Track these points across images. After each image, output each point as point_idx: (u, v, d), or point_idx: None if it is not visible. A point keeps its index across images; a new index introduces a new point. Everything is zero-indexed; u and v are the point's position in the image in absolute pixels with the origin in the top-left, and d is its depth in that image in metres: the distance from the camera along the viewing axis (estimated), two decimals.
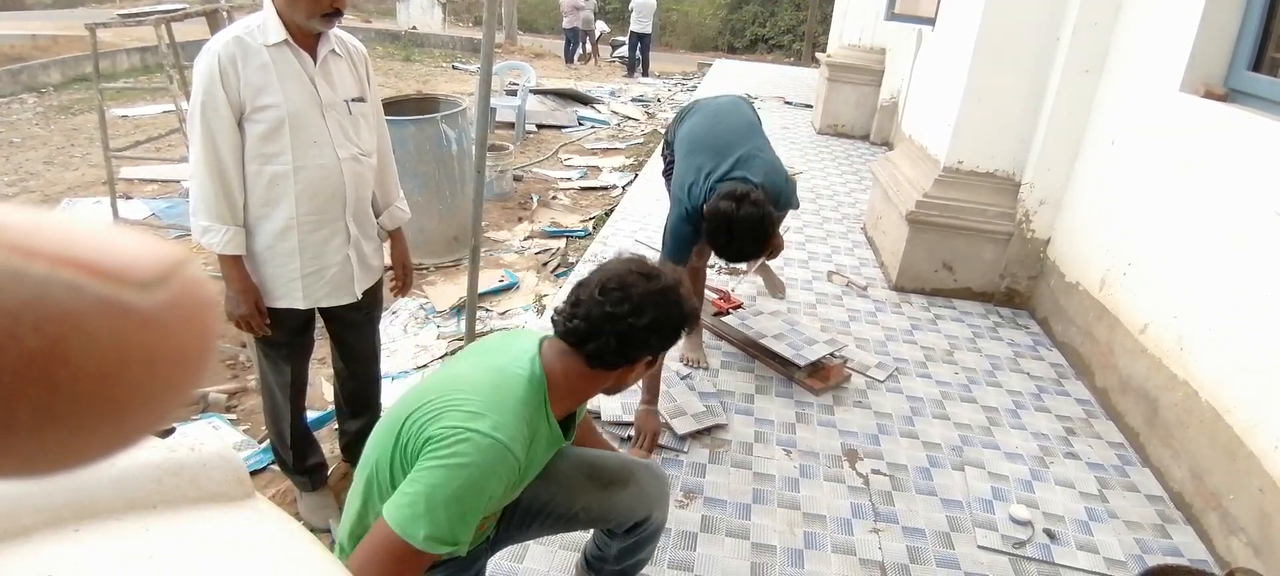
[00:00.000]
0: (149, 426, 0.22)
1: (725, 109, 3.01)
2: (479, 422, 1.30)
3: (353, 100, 2.09)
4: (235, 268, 2.05)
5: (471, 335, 3.01)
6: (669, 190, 2.97)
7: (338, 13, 1.95)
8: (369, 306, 2.35)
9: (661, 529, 1.86)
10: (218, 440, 0.82)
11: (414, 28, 19.20)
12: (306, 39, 1.98)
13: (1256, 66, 2.77)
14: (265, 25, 1.93)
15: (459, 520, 1.26)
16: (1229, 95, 2.82)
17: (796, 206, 2.94)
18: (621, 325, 1.42)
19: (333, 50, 2.04)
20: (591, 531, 1.93)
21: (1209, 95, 2.83)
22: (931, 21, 5.06)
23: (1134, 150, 3.22)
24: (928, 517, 2.46)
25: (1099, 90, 3.56)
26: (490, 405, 1.34)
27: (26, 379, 0.19)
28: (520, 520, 1.72)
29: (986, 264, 4.04)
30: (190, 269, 0.22)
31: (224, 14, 4.06)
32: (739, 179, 2.63)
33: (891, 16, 6.33)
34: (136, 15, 3.96)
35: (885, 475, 2.64)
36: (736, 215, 2.45)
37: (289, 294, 2.14)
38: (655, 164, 6.57)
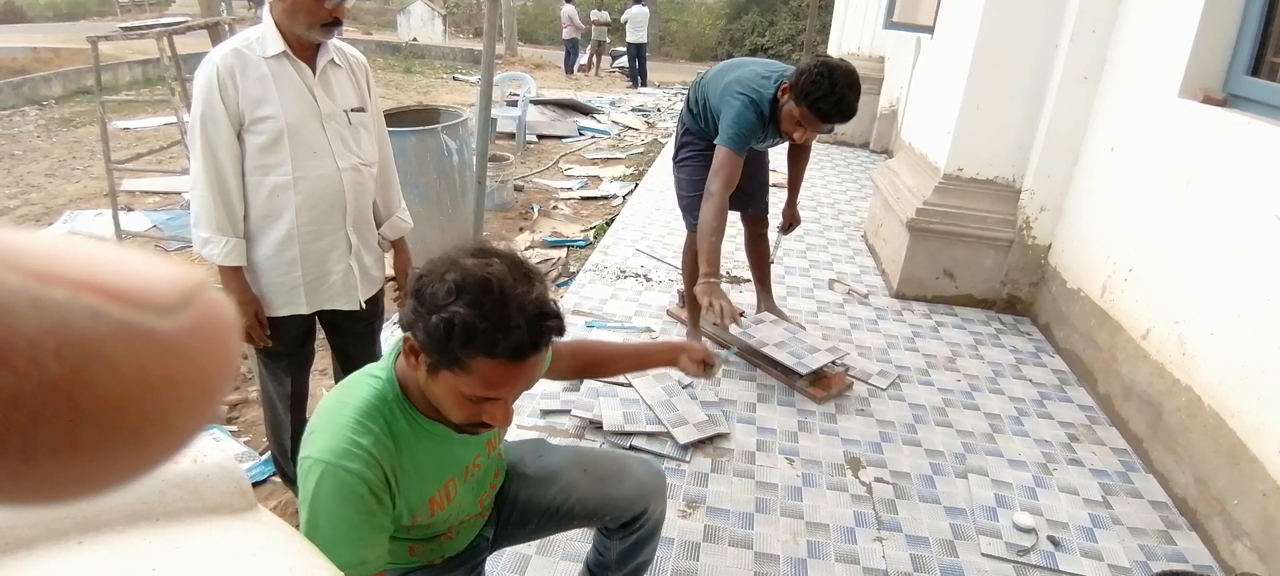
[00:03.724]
0: (170, 451, 0.22)
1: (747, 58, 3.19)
2: (309, 448, 1.25)
3: (352, 110, 2.10)
4: (236, 279, 2.06)
5: None
6: (679, 172, 3.24)
7: (337, 22, 1.95)
8: (370, 317, 2.35)
9: (660, 524, 1.85)
10: (220, 452, 0.81)
11: (414, 39, 19.28)
12: (305, 50, 1.99)
13: (1255, 71, 2.77)
14: (264, 38, 1.94)
15: (344, 545, 1.22)
16: (1228, 100, 2.82)
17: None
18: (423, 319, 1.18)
19: (332, 60, 2.04)
20: (592, 539, 1.92)
21: (1208, 100, 2.83)
22: (930, 30, 5.07)
23: (1134, 156, 3.23)
24: (931, 526, 2.46)
25: (1098, 97, 3.56)
26: (321, 426, 1.27)
27: (48, 405, 0.19)
28: (518, 518, 1.72)
29: (987, 271, 4.04)
30: (211, 292, 0.22)
31: (226, 27, 4.08)
32: None
33: (890, 25, 6.34)
34: (139, 28, 3.98)
35: (888, 483, 2.64)
36: (835, 65, 2.63)
37: (292, 301, 2.14)
38: (655, 173, 6.59)
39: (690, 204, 3.17)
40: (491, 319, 1.14)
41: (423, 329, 1.18)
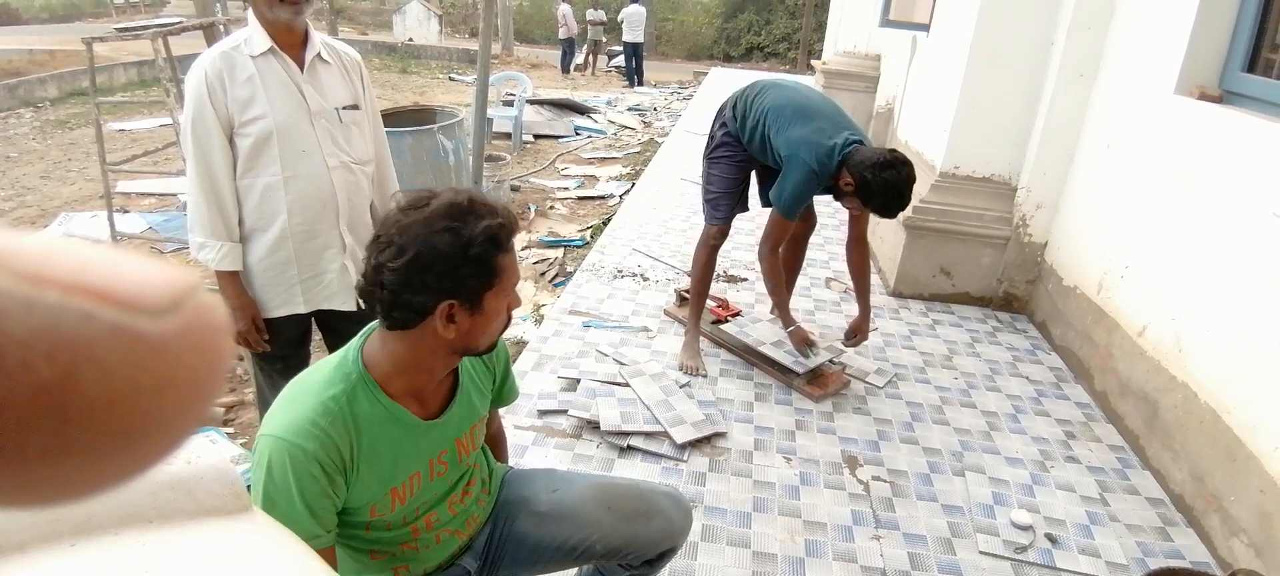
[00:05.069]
0: (161, 454, 0.22)
1: (809, 89, 3.12)
2: (267, 427, 1.27)
3: (345, 108, 2.08)
4: (232, 283, 2.05)
5: None
6: (711, 167, 3.17)
7: None
8: (367, 318, 2.34)
9: (674, 557, 1.78)
10: (215, 454, 0.81)
11: (410, 40, 19.27)
12: (292, 44, 1.98)
13: (1251, 67, 2.78)
14: (251, 37, 1.94)
15: (299, 520, 1.24)
16: (1224, 97, 2.83)
17: None
18: (385, 274, 1.23)
19: (320, 56, 2.03)
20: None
21: (1204, 97, 2.84)
22: (926, 27, 5.07)
23: (1130, 153, 3.23)
24: (929, 523, 2.46)
25: (1094, 94, 3.57)
26: (281, 407, 1.29)
27: (39, 408, 0.19)
28: (526, 556, 1.65)
29: (984, 268, 4.04)
30: (202, 295, 0.22)
31: (220, 27, 4.07)
32: (860, 144, 2.79)
33: (886, 23, 6.35)
34: (133, 29, 3.98)
35: (886, 481, 2.64)
36: (903, 178, 2.65)
37: (289, 301, 2.13)
38: (652, 172, 6.58)
39: (715, 200, 3.17)
40: (488, 218, 1.24)
41: (459, 277, 1.23)
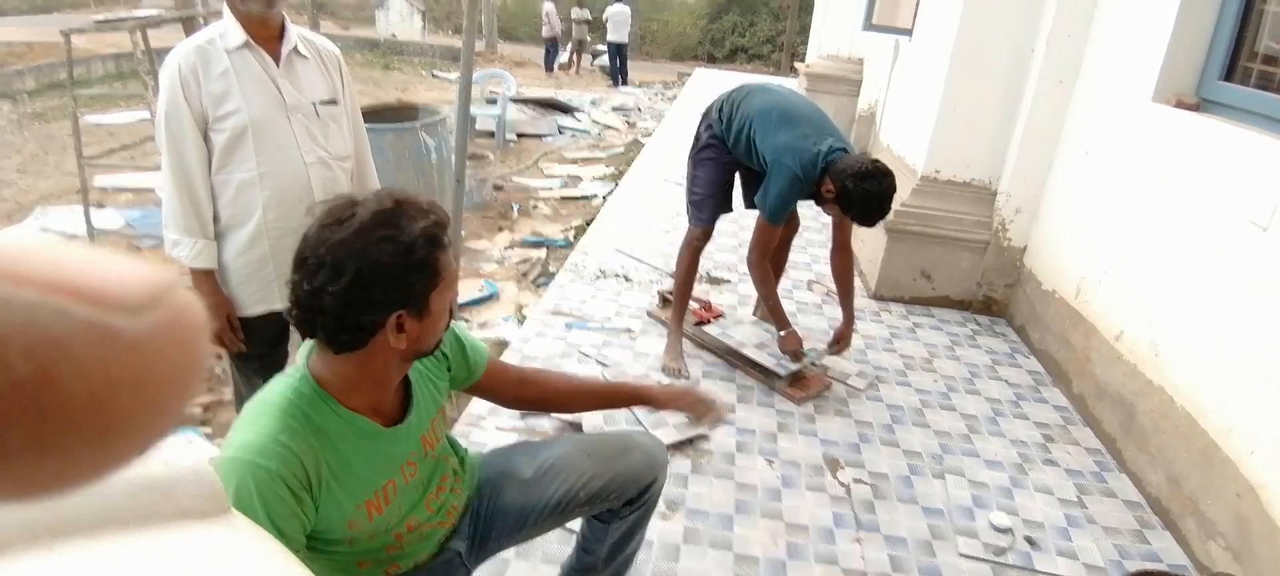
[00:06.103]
0: (138, 451, 0.22)
1: (797, 94, 3.15)
2: (226, 448, 1.23)
3: (322, 103, 2.06)
4: (206, 282, 2.03)
5: None
6: (697, 168, 3.17)
7: None
8: None
9: (657, 502, 1.81)
10: (192, 455, 0.80)
11: (393, 35, 19.16)
12: (268, 38, 1.96)
13: (1228, 76, 2.81)
14: (226, 31, 1.92)
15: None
16: (1201, 105, 2.86)
17: None
18: (326, 299, 1.15)
19: (296, 50, 2.01)
20: (576, 542, 1.89)
21: (1181, 105, 2.87)
22: (908, 32, 5.11)
23: (1108, 160, 3.26)
24: (909, 526, 2.47)
25: (1073, 100, 3.60)
26: (240, 426, 1.25)
27: (16, 405, 0.19)
28: (513, 525, 1.66)
29: (964, 272, 4.07)
30: (179, 293, 0.22)
31: (200, 20, 4.03)
32: (844, 152, 2.83)
33: (869, 27, 6.39)
34: (112, 21, 3.92)
35: (867, 484, 2.65)
36: (885, 189, 2.71)
37: (266, 297, 2.11)
38: (635, 173, 6.58)
39: (700, 202, 3.19)
40: (421, 217, 1.20)
41: (407, 286, 1.20)
